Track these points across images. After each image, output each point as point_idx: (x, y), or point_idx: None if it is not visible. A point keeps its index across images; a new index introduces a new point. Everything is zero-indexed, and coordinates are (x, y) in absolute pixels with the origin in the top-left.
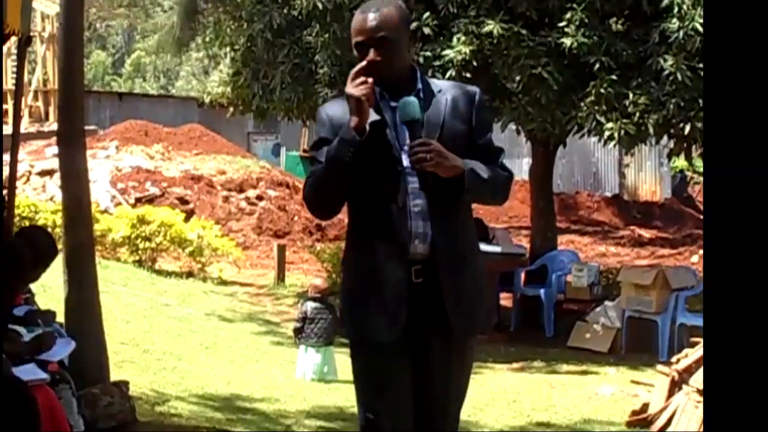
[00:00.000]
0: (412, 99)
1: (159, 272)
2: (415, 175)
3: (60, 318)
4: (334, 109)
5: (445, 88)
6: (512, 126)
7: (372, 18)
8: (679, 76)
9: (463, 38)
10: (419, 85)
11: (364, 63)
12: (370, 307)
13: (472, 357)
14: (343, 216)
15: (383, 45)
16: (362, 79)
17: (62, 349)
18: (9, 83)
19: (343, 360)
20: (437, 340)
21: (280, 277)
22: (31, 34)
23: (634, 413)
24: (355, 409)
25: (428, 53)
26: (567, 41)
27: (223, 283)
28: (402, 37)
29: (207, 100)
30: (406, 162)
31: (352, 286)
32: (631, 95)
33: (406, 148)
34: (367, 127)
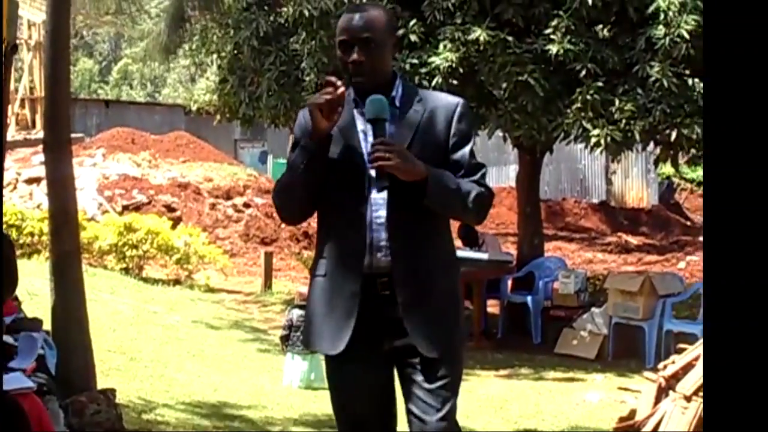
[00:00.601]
0: (379, 97)
1: (146, 280)
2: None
3: (47, 325)
4: None
5: (426, 98)
6: (499, 133)
7: (358, 18)
8: (665, 83)
9: (449, 45)
10: (395, 92)
11: (333, 79)
12: (318, 317)
13: (451, 370)
14: None
15: (367, 46)
16: (330, 89)
17: (28, 353)
18: None
19: None
20: (406, 353)
21: (267, 285)
22: (18, 41)
23: (622, 419)
24: None
25: (415, 60)
26: (553, 48)
27: (210, 290)
28: (386, 41)
29: (194, 107)
30: (373, 172)
31: (309, 295)
32: (617, 102)
33: None
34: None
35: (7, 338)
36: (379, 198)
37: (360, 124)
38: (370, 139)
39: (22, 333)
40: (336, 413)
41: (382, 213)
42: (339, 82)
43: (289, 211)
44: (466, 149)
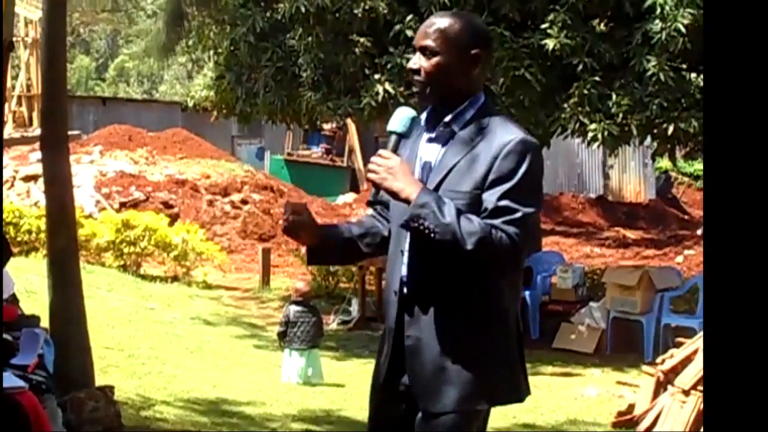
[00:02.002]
0: (404, 109)
1: (144, 277)
2: None
3: (45, 323)
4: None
5: (493, 128)
6: None
7: (428, 23)
8: (662, 77)
9: None
10: (461, 114)
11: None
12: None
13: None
14: (328, 219)
15: (425, 54)
16: (285, 216)
17: (31, 348)
18: None
19: (328, 363)
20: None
21: (265, 281)
22: (14, 39)
23: (620, 414)
24: (342, 412)
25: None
26: (550, 43)
27: (208, 287)
28: (449, 53)
29: (191, 104)
30: None
31: None
32: (614, 96)
33: None
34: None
35: (7, 336)
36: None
37: (421, 149)
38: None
39: (24, 329)
40: None
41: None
42: (289, 212)
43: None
44: (500, 189)
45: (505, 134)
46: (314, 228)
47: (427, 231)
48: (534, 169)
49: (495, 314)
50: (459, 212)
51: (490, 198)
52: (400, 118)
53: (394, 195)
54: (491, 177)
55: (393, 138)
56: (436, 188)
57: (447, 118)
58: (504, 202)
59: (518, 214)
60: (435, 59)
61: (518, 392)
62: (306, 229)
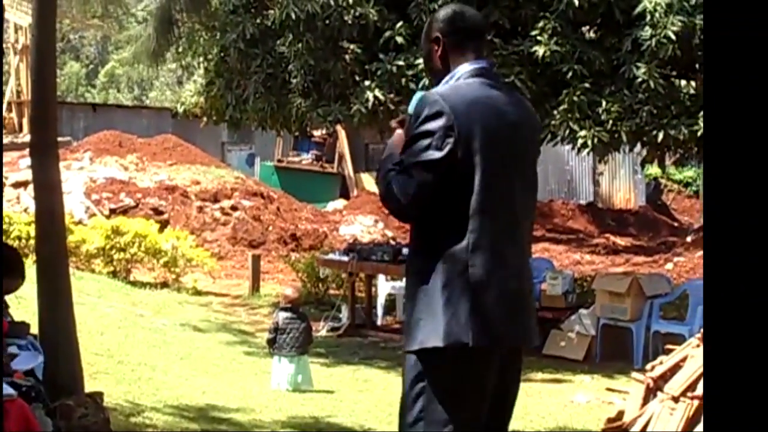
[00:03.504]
0: (417, 93)
1: (133, 283)
2: None
3: (34, 329)
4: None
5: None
6: None
7: None
8: (652, 84)
9: None
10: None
11: None
12: None
13: (407, 371)
14: (318, 225)
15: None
16: None
17: (27, 360)
18: None
19: (318, 370)
20: None
21: (255, 287)
22: (4, 45)
23: (609, 420)
24: (331, 419)
25: (401, 62)
26: (540, 50)
27: (198, 293)
28: (424, 44)
29: (181, 110)
30: None
31: None
32: (604, 103)
33: None
34: None
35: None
36: None
37: None
38: None
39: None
40: None
41: None
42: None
43: None
44: (408, 147)
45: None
46: None
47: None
48: (420, 123)
49: (425, 267)
50: (395, 163)
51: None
52: (412, 100)
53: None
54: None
55: (409, 121)
56: None
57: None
58: (405, 155)
59: (409, 163)
60: (423, 50)
61: (436, 338)
62: None
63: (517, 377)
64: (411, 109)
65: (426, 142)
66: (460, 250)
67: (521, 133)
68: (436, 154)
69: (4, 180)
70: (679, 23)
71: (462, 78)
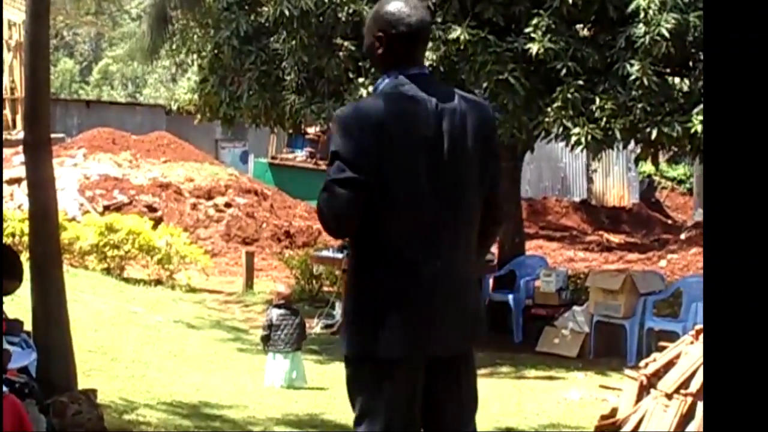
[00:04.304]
0: None
1: (127, 280)
2: None
3: (27, 326)
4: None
5: None
6: None
7: None
8: (645, 81)
9: (429, 44)
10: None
11: None
12: None
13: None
14: (312, 222)
15: None
16: None
17: (21, 358)
18: None
19: (311, 367)
20: None
21: (249, 284)
22: None
23: (603, 418)
24: (325, 416)
25: None
26: (534, 47)
27: (192, 290)
28: (369, 34)
29: (174, 107)
30: None
31: None
32: (597, 100)
33: None
34: None
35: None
36: None
37: None
38: None
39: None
40: None
41: None
42: None
43: None
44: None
45: None
46: None
47: None
48: (333, 142)
49: (353, 278)
50: None
51: None
52: None
53: None
54: None
55: None
56: None
57: None
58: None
59: (324, 185)
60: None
61: (350, 348)
62: None
63: (455, 387)
64: None
65: (338, 160)
66: (373, 262)
67: (452, 136)
68: (347, 173)
69: None
70: (673, 20)
71: (392, 86)
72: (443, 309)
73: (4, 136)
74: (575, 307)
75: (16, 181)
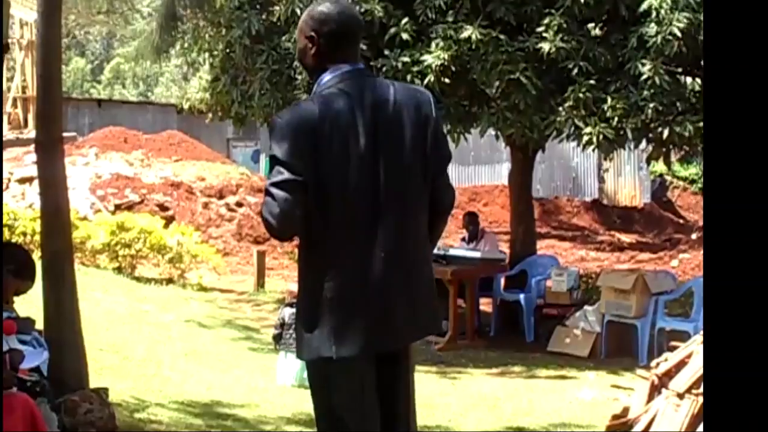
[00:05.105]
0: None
1: (139, 279)
2: None
3: (39, 325)
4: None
5: None
6: (491, 131)
7: None
8: (657, 81)
9: (441, 44)
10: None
11: None
12: None
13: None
14: None
15: None
16: None
17: (33, 358)
18: None
19: None
20: None
21: (260, 284)
22: (9, 41)
23: (614, 417)
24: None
25: (407, 59)
26: (545, 46)
27: (203, 289)
28: (301, 36)
29: (186, 106)
30: None
31: None
32: (609, 100)
33: None
34: None
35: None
36: None
37: None
38: None
39: (34, 332)
40: None
41: None
42: None
43: None
44: None
45: None
46: None
47: None
48: (272, 143)
49: (301, 281)
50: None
51: None
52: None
53: None
54: None
55: None
56: None
57: None
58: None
59: (265, 189)
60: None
61: (306, 352)
62: None
63: (395, 383)
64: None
65: (277, 164)
66: (318, 263)
67: (389, 128)
68: (285, 175)
69: (9, 176)
70: (685, 20)
71: (326, 86)
72: (392, 302)
73: (16, 136)
74: (587, 307)
75: (28, 180)
